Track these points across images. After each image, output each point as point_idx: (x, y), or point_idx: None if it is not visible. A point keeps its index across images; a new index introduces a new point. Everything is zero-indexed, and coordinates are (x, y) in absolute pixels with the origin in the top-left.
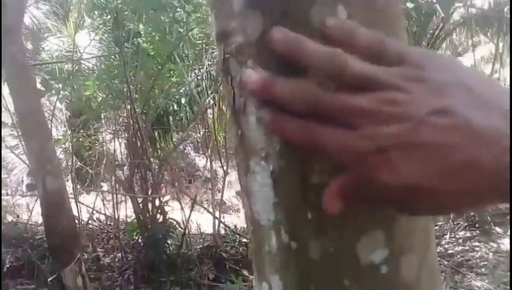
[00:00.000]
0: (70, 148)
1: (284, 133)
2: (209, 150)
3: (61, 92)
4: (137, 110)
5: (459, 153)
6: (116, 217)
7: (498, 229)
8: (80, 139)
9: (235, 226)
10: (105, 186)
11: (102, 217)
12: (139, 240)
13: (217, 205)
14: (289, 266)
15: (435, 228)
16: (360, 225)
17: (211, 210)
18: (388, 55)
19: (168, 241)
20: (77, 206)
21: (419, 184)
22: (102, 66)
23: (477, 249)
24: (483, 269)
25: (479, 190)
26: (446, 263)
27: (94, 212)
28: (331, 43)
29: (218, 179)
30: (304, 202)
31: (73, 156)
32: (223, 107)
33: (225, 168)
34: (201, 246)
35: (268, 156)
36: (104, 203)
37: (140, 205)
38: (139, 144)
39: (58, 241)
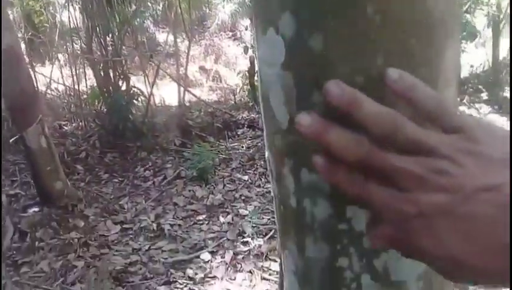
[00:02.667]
0: (20, 12)
1: (334, 181)
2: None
3: None
4: None
5: (505, 232)
6: (76, 86)
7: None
8: (30, 3)
9: (200, 98)
10: (61, 58)
11: (61, 88)
12: (102, 108)
13: (181, 78)
14: None
15: None
16: None
17: (175, 82)
18: (444, 121)
19: (132, 110)
20: (34, 76)
21: (458, 258)
22: None
23: None
24: None
25: None
26: None
27: (52, 82)
28: (391, 95)
29: (180, 53)
30: None
31: (24, 23)
32: None
33: (189, 38)
34: (166, 115)
35: None
36: (61, 72)
37: (101, 72)
38: (95, 6)
39: (18, 102)
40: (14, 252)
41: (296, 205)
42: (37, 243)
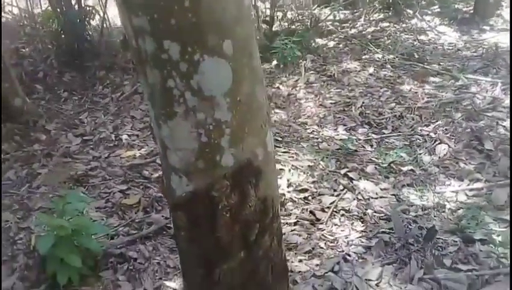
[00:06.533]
0: None
1: None
2: None
3: None
4: None
5: None
6: (31, 7)
7: (408, 10)
8: None
9: None
10: None
11: (16, 11)
12: (58, 29)
13: None
14: None
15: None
16: None
17: None
18: None
19: (88, 29)
20: None
21: None
22: None
23: (387, 28)
24: (388, 45)
25: None
26: (357, 41)
27: (5, 4)
28: None
29: None
30: None
31: None
32: None
33: None
34: (123, 34)
35: None
36: None
37: None
38: None
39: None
40: None
41: (136, 45)
42: (2, 155)
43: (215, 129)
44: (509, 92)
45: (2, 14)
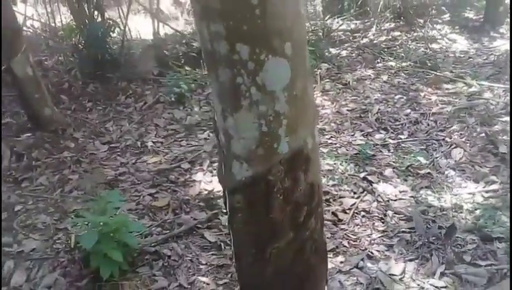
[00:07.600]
0: None
1: None
2: None
3: None
4: None
5: None
6: (52, 22)
7: (419, 19)
8: None
9: (174, 29)
10: None
11: (37, 25)
12: (80, 41)
13: (156, 11)
14: None
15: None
16: None
17: (149, 15)
18: None
19: (109, 41)
20: None
21: None
22: None
23: (398, 37)
24: (401, 54)
25: None
26: (369, 50)
27: (27, 19)
28: None
29: None
30: None
31: None
32: None
33: None
34: (143, 46)
35: None
36: (36, 10)
37: (76, 4)
38: None
39: (4, 35)
40: (13, 171)
41: (211, 48)
42: (33, 162)
43: (275, 120)
44: None
45: (24, 28)
